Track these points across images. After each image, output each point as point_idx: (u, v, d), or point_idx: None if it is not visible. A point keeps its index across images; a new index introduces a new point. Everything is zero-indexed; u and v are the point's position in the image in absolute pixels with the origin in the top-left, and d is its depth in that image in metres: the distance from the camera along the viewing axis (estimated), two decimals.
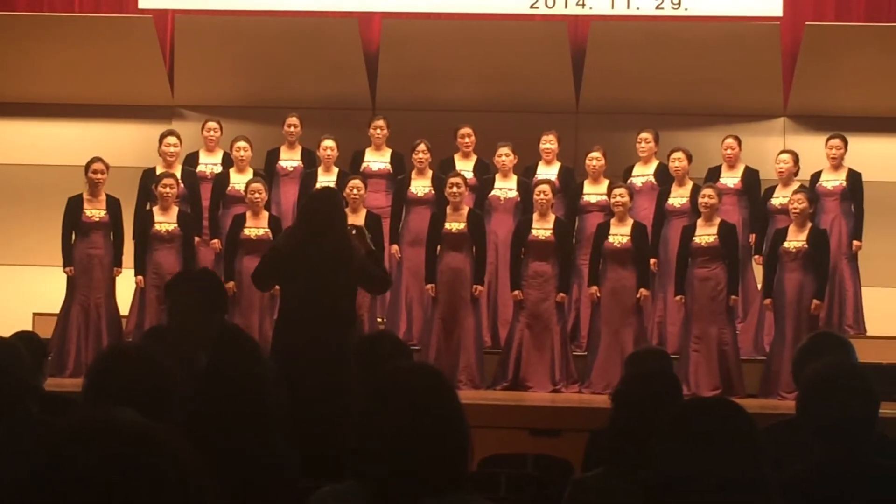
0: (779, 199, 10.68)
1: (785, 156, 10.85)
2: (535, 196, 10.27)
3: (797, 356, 4.66)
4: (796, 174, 10.80)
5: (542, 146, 11.06)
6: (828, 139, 10.99)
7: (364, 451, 2.39)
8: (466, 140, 11.14)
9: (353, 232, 7.38)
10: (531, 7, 12.10)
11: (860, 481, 3.28)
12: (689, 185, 10.70)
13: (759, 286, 10.58)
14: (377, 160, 11.17)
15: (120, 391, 3.20)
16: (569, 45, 12.03)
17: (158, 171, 10.79)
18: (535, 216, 10.24)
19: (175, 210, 10.38)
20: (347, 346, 6.09)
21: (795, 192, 10.18)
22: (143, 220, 10.40)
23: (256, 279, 7.55)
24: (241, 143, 11.00)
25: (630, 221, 10.21)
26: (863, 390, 3.38)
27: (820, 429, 3.34)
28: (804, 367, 4.30)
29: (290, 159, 11.28)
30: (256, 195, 10.25)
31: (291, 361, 6.88)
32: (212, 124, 11.35)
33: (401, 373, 2.53)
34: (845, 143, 10.91)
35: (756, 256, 10.78)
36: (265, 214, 10.32)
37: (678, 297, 10.12)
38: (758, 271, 10.75)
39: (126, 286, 10.47)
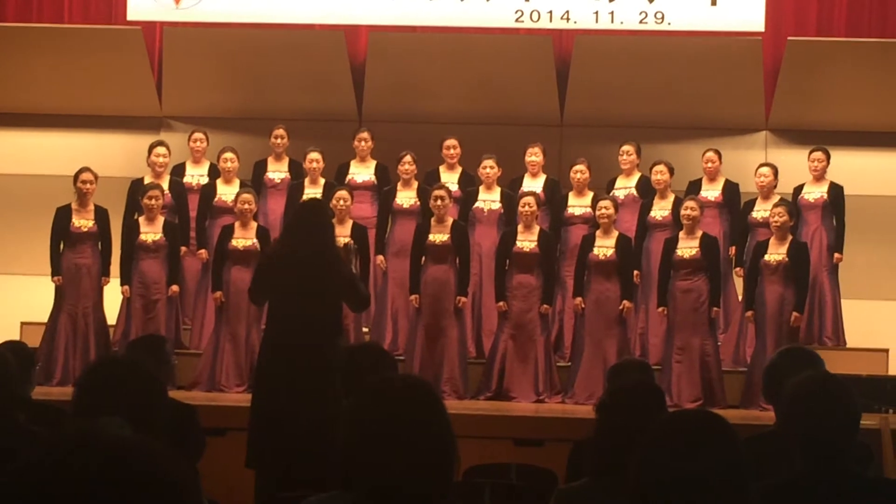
0: (759, 212, 10.74)
1: (765, 169, 10.92)
2: (519, 208, 10.31)
3: (768, 372, 4.68)
4: (776, 187, 10.87)
5: (527, 159, 11.10)
6: (811, 151, 11.06)
7: (350, 462, 2.37)
8: (452, 152, 11.18)
9: (343, 245, 7.42)
10: (516, 21, 12.15)
11: (841, 492, 3.30)
12: (671, 197, 10.74)
13: (740, 298, 10.65)
14: (362, 172, 11.20)
15: (108, 402, 3.23)
16: (553, 58, 12.08)
17: (147, 181, 10.83)
18: (520, 228, 10.27)
19: (161, 220, 10.40)
20: (334, 356, 6.13)
21: (776, 206, 10.24)
22: (130, 231, 10.42)
23: (252, 295, 7.63)
24: (228, 154, 11.02)
25: (615, 234, 10.25)
26: (844, 402, 3.39)
27: (801, 440, 3.35)
28: (776, 383, 4.35)
29: (277, 171, 11.30)
30: (246, 206, 10.26)
31: (278, 371, 6.93)
32: (198, 135, 11.36)
33: (389, 384, 2.49)
34: (828, 156, 10.98)
35: (737, 269, 10.85)
36: (253, 225, 10.33)
37: (660, 309, 10.18)
38: (738, 283, 10.82)
39: (113, 295, 10.48)
